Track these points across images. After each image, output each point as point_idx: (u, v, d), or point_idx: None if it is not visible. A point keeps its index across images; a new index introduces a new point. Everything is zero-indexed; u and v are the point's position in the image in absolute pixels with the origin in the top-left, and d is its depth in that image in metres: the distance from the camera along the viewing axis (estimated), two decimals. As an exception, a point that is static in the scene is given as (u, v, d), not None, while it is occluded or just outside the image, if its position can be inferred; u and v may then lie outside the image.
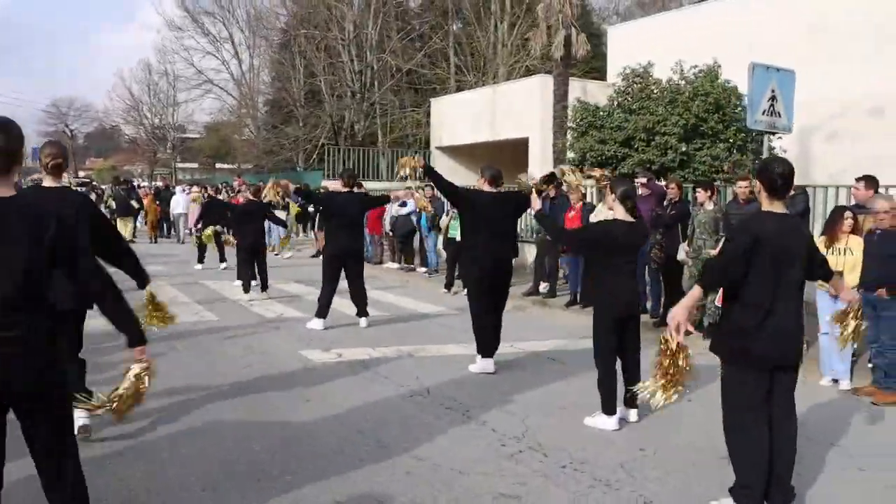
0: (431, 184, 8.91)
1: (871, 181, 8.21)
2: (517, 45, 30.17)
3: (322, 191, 15.23)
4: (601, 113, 16.02)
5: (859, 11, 16.14)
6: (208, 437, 5.43)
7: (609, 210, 11.43)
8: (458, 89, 30.11)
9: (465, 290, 8.72)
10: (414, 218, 16.41)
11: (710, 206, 9.71)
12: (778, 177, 4.26)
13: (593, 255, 6.57)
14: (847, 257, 7.61)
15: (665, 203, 10.43)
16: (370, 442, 5.35)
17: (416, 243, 17.12)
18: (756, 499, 4.22)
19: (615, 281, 6.06)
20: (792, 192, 8.72)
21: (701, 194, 9.75)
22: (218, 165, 43.00)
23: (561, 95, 19.39)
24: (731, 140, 14.64)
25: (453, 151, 25.64)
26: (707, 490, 4.62)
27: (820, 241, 7.93)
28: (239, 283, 13.23)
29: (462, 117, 24.57)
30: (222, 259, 16.64)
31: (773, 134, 14.98)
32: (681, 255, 10.02)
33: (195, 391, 6.63)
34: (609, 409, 5.91)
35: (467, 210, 7.88)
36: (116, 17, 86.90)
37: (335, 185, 10.04)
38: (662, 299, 10.50)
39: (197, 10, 36.92)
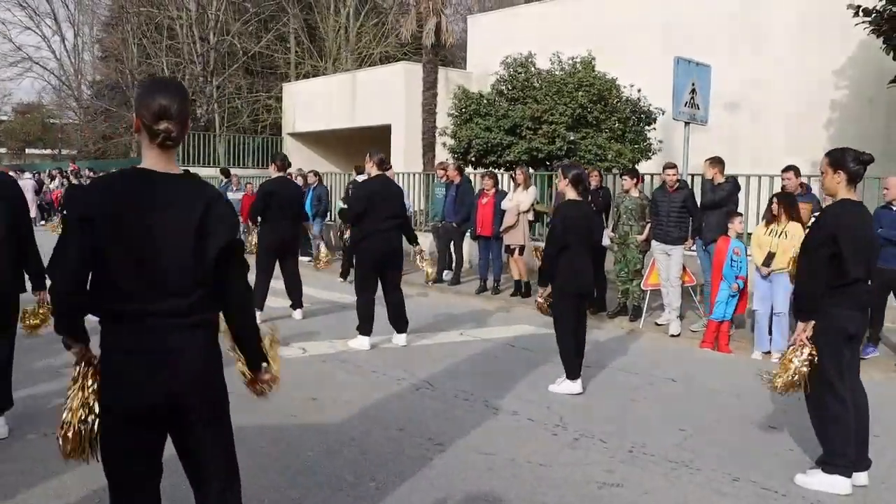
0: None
1: (797, 171, 8.85)
2: (367, 33, 29.87)
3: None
4: (485, 101, 16.16)
5: (716, 13, 17.27)
6: (246, 445, 4.93)
7: (525, 193, 11.64)
8: (306, 76, 29.34)
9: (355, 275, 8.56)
10: (296, 205, 15.83)
11: (635, 193, 10.03)
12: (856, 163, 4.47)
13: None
14: (781, 240, 8.14)
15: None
16: (422, 441, 5.08)
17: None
18: (851, 466, 4.41)
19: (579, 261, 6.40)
20: (721, 181, 9.27)
21: (627, 181, 10.02)
22: (29, 151, 39.07)
23: (431, 83, 19.37)
24: (611, 130, 15.24)
25: (306, 138, 25.00)
26: (768, 461, 4.79)
27: (761, 225, 8.50)
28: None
29: (318, 103, 23.97)
30: None
31: (649, 126, 15.80)
32: (605, 241, 10.26)
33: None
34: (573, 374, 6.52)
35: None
36: None
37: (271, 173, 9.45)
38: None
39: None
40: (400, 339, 8.09)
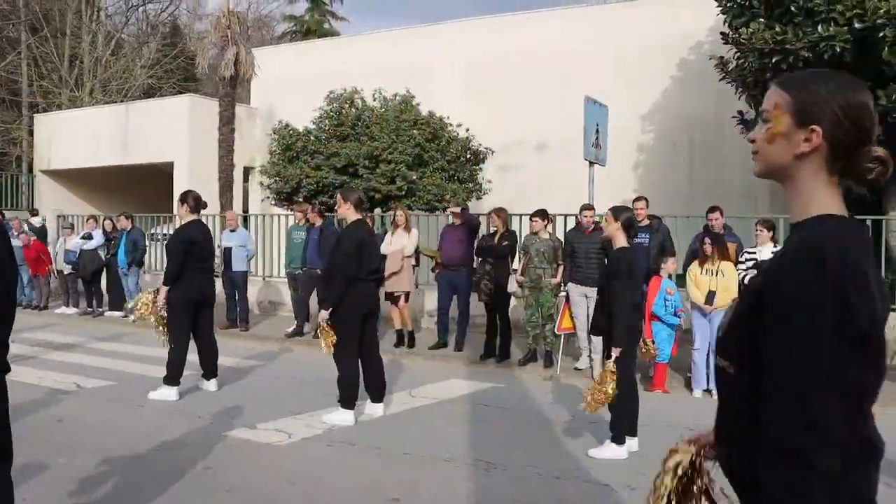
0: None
1: (722, 211, 9.18)
2: (116, 63, 27.24)
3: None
4: (312, 138, 15.24)
5: (523, 54, 17.75)
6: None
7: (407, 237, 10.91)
8: (58, 107, 25.92)
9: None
10: (102, 253, 13.74)
11: (545, 234, 9.80)
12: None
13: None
14: (719, 279, 8.39)
15: (492, 233, 10.20)
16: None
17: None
18: None
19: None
20: (648, 222, 9.35)
21: (537, 223, 9.76)
22: None
23: (228, 118, 17.89)
24: (444, 169, 15.05)
25: (64, 176, 22.01)
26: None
27: (695, 265, 8.66)
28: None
29: (80, 137, 21.16)
30: None
31: (477, 166, 15.79)
32: (511, 287, 9.89)
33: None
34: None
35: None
36: None
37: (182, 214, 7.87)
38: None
39: None
40: (376, 409, 7.09)
